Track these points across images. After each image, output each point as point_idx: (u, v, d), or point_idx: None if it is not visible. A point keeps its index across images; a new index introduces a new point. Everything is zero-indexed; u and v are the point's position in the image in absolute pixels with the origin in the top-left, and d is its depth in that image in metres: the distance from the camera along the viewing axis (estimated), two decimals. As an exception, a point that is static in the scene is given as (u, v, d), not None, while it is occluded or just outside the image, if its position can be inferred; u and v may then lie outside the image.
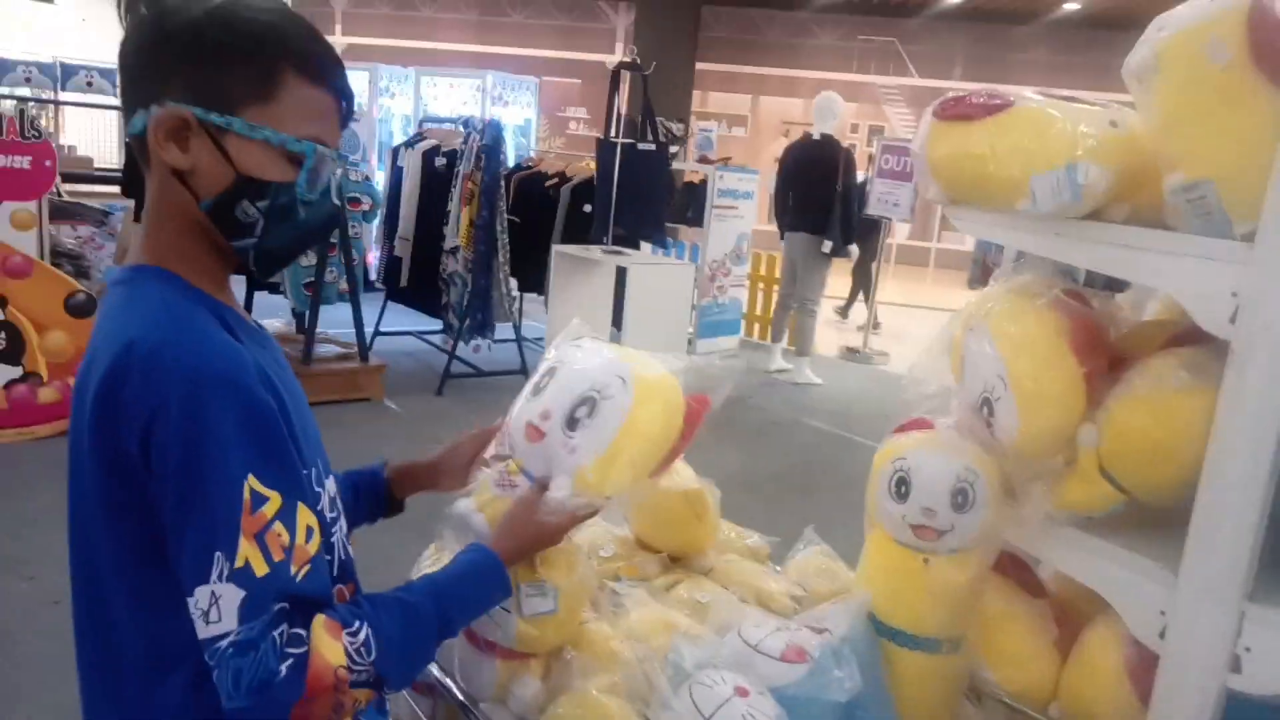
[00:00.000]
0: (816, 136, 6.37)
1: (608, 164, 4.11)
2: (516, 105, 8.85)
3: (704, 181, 7.10)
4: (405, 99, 8.77)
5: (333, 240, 5.27)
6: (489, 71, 8.77)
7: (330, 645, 0.83)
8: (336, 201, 0.96)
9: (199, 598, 0.79)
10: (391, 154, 6.74)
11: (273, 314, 6.15)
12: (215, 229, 0.90)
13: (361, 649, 0.85)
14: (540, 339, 4.72)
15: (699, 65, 13.60)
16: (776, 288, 7.34)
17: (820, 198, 6.21)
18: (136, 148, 0.89)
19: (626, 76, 4.57)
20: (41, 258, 4.24)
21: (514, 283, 5.98)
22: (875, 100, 17.18)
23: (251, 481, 0.80)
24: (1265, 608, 1.04)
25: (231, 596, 0.78)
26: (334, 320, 5.72)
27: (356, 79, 8.96)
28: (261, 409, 0.83)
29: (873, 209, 7.00)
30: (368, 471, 1.21)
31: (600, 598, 1.29)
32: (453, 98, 8.64)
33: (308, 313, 5.36)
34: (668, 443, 1.12)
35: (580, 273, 3.99)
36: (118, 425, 0.81)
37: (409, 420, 5.22)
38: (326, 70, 0.90)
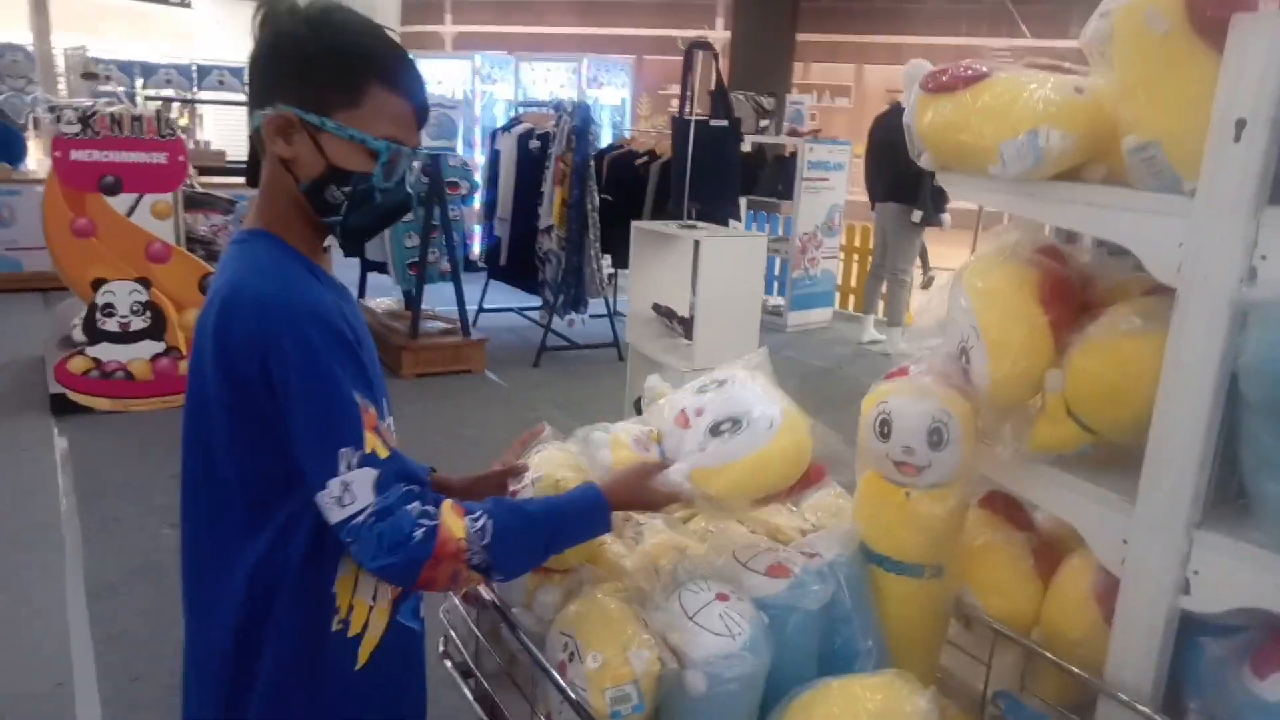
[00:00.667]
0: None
1: (682, 142, 4.27)
2: (611, 86, 9.05)
3: (794, 155, 7.13)
4: (506, 84, 9.09)
5: (435, 223, 5.61)
6: (585, 55, 8.98)
7: (455, 521, 1.02)
8: (411, 190, 1.16)
9: (331, 488, 0.98)
10: (490, 138, 7.06)
11: (385, 293, 6.58)
12: (309, 207, 1.10)
13: (480, 531, 1.02)
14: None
15: (801, 36, 13.43)
16: (869, 259, 7.31)
17: (910, 167, 6.10)
18: (255, 140, 1.10)
19: (698, 55, 4.68)
20: (178, 244, 4.71)
21: (608, 259, 6.21)
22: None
23: (354, 394, 1.01)
24: (1212, 534, 1.13)
25: (365, 478, 0.98)
26: (442, 298, 6.09)
27: (460, 67, 9.37)
28: (347, 339, 1.04)
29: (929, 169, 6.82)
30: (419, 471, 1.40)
31: (623, 527, 1.47)
32: (551, 81, 8.91)
33: (413, 291, 5.73)
34: (776, 486, 1.30)
35: (659, 248, 4.14)
36: (235, 355, 1.02)
37: (508, 390, 5.53)
38: (405, 83, 1.10)
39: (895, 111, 6.40)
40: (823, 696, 1.13)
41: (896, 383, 1.34)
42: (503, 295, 6.90)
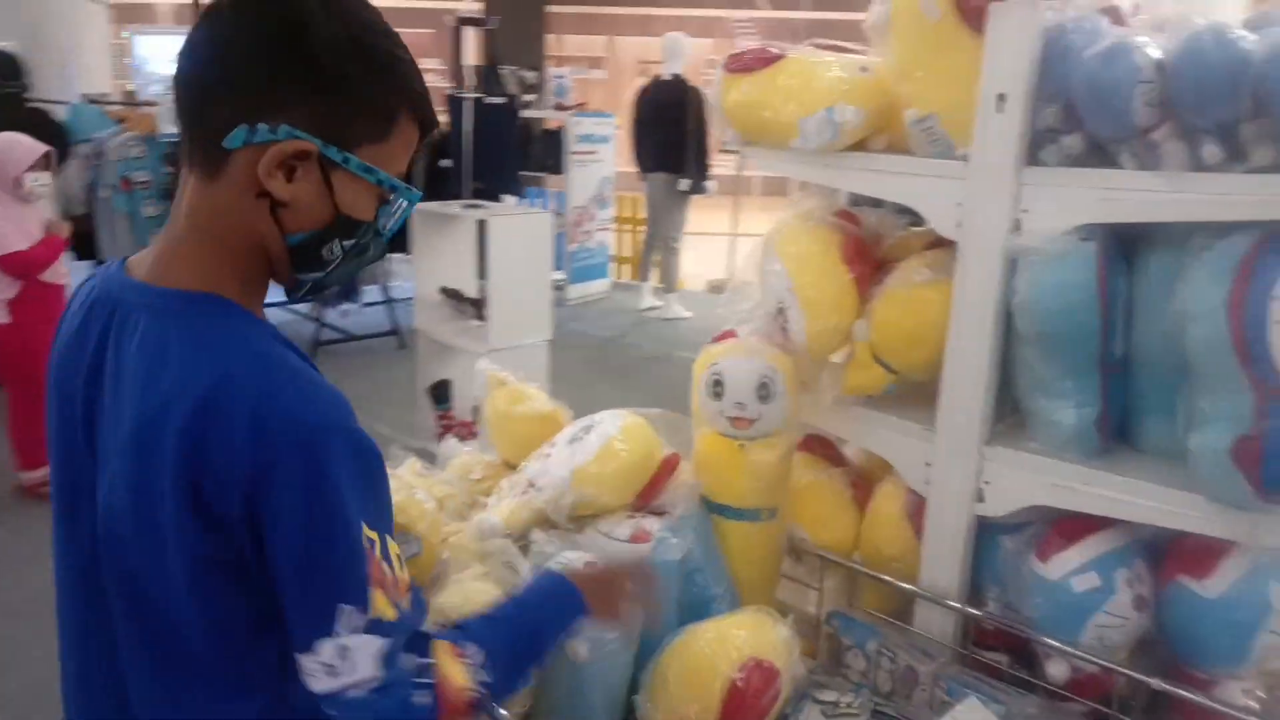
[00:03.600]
0: (667, 77, 6.54)
1: (459, 120, 4.19)
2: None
3: (561, 129, 7.19)
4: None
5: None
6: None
7: (455, 669, 0.83)
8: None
9: (321, 652, 0.77)
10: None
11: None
12: (289, 260, 0.84)
13: (480, 668, 0.86)
14: (410, 299, 4.78)
15: (551, 8, 13.46)
16: (642, 229, 7.55)
17: (675, 137, 6.40)
18: (204, 154, 0.80)
19: (469, 30, 4.62)
20: None
21: (380, 243, 5.95)
22: (730, 35, 17.38)
23: (364, 529, 0.79)
24: (998, 448, 1.33)
25: (368, 647, 0.77)
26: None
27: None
28: (368, 451, 0.81)
29: (733, 143, 7.23)
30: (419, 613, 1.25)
31: (471, 514, 1.48)
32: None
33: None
34: (641, 463, 1.40)
35: (442, 229, 4.07)
36: (213, 477, 0.76)
37: (286, 389, 5.20)
38: (427, 110, 0.86)
39: (659, 84, 6.62)
40: (692, 638, 1.22)
41: (725, 345, 1.44)
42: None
